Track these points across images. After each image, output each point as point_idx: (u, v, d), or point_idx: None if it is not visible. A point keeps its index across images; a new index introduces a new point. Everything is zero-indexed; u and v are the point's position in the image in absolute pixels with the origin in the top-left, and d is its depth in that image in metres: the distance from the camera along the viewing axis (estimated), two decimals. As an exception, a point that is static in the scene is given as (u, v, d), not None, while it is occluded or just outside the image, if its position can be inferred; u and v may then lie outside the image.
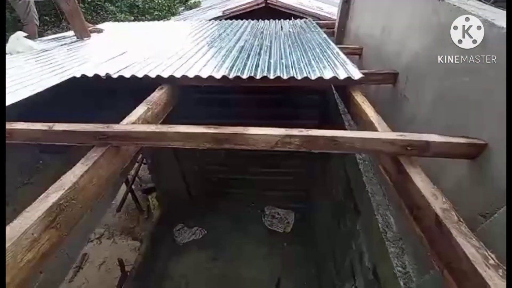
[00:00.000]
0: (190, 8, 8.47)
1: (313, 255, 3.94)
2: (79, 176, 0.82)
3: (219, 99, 2.72)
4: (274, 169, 4.05)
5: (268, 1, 5.72)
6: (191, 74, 1.56)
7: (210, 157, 3.95)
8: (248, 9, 5.61)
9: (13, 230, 0.63)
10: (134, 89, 1.52)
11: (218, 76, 1.53)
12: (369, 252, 1.80)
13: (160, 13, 7.77)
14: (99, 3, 6.52)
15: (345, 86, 1.63)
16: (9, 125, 1.00)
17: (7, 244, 0.59)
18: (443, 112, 1.14)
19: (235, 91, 1.78)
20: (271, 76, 1.51)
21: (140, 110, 1.27)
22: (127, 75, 1.57)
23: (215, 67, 1.68)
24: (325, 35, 2.49)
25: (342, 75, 1.48)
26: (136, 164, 5.17)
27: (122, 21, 5.49)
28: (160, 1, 7.96)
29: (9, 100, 1.19)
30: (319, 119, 3.06)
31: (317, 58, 1.84)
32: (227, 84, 1.54)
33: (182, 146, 1.01)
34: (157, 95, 1.48)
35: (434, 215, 0.71)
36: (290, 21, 3.38)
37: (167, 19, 7.07)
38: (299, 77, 1.47)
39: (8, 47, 2.14)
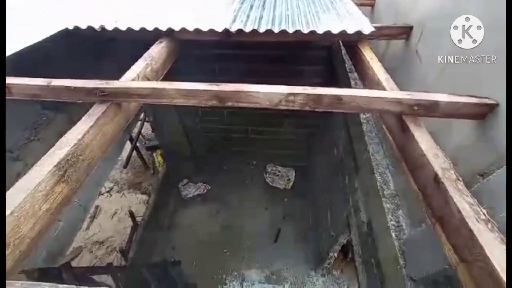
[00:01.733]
0: None
1: (312, 210, 4.19)
2: (83, 133, 0.83)
3: (220, 54, 2.59)
4: (277, 128, 4.06)
5: None
6: (190, 27, 1.46)
7: (212, 115, 3.93)
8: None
9: (27, 182, 0.66)
10: (133, 42, 1.44)
11: (219, 29, 1.44)
12: (365, 208, 1.90)
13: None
14: None
15: (353, 41, 1.53)
16: (8, 80, 0.98)
17: (23, 196, 0.63)
18: (457, 72, 1.08)
19: (237, 45, 1.68)
20: (276, 30, 1.41)
21: (139, 66, 1.23)
22: (123, 27, 1.48)
23: (216, 20, 1.57)
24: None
25: (351, 29, 1.38)
26: (139, 122, 5.19)
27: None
28: None
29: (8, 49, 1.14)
30: (324, 77, 2.95)
31: (325, 9, 1.69)
32: (229, 38, 1.45)
33: (183, 104, 0.99)
34: (156, 50, 1.41)
35: (433, 174, 0.72)
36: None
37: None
38: (306, 31, 1.38)
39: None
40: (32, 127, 1.67)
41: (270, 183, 4.68)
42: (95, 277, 2.54)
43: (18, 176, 1.44)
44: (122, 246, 3.81)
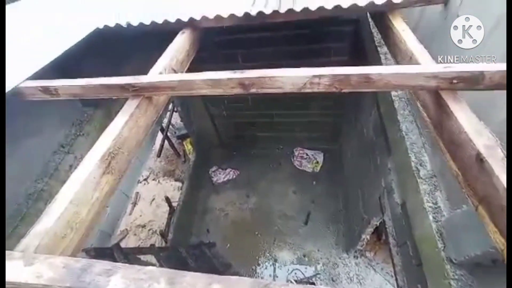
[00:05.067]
0: None
1: (342, 192, 4.13)
2: (121, 128, 0.90)
3: (242, 39, 2.56)
4: (303, 111, 3.98)
5: None
6: (211, 15, 1.46)
7: (238, 101, 3.96)
8: None
9: (80, 174, 0.74)
10: (158, 34, 1.49)
11: (239, 13, 1.42)
12: (399, 189, 1.83)
13: None
14: None
15: (383, 12, 1.41)
16: (53, 82, 1.08)
17: (78, 186, 0.71)
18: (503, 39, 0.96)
19: (259, 29, 1.65)
20: (297, 9, 1.35)
21: (165, 59, 1.27)
22: (146, 21, 1.52)
23: (235, 4, 1.54)
24: None
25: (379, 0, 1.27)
26: (168, 113, 5.41)
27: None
28: None
29: (49, 56, 1.26)
30: (351, 55, 2.79)
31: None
32: (250, 21, 1.42)
33: (209, 93, 1.02)
34: (180, 41, 1.44)
35: (475, 152, 0.67)
36: None
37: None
38: (329, 7, 1.30)
39: None
40: (77, 123, 1.83)
41: (298, 167, 4.66)
42: (141, 257, 2.81)
43: (71, 167, 1.61)
44: (162, 229, 4.13)
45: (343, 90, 0.90)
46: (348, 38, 2.66)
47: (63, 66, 1.32)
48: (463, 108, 0.79)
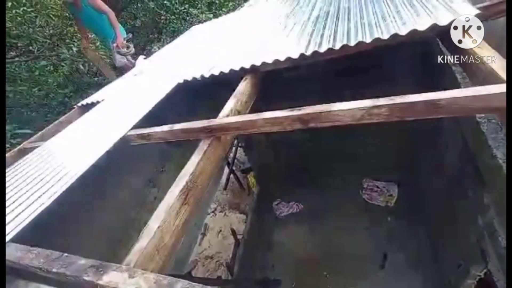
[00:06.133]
0: (261, -10, 8.41)
1: (424, 230, 3.52)
2: (196, 165, 1.05)
3: (299, 77, 2.69)
4: (369, 139, 3.74)
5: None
6: (269, 60, 1.63)
7: (298, 135, 4.01)
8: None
9: (164, 205, 0.89)
10: (224, 82, 1.73)
11: (295, 55, 1.54)
12: (505, 230, 1.49)
13: (234, 2, 8.11)
14: (184, 10, 7.39)
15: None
16: (147, 130, 1.36)
17: (164, 214, 0.85)
18: None
19: (316, 66, 1.74)
20: (352, 43, 1.39)
21: (231, 103, 1.45)
22: (216, 72, 1.79)
23: (291, 46, 1.69)
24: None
25: (444, 20, 1.21)
26: (233, 149, 5.83)
27: (204, 21, 6.06)
28: (233, -8, 8.32)
29: (144, 110, 1.61)
30: (416, 79, 2.59)
31: (407, 6, 1.55)
32: (306, 61, 1.53)
33: (270, 131, 1.11)
34: (242, 87, 1.64)
35: None
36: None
37: (241, 7, 7.31)
38: (386, 36, 1.30)
39: (134, 69, 2.81)
40: (160, 162, 2.19)
41: (368, 200, 4.25)
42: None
43: (155, 199, 1.90)
44: (228, 261, 4.21)
45: (407, 119, 0.86)
46: (411, 61, 2.50)
47: (155, 116, 1.64)
48: None
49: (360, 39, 1.39)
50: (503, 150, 1.45)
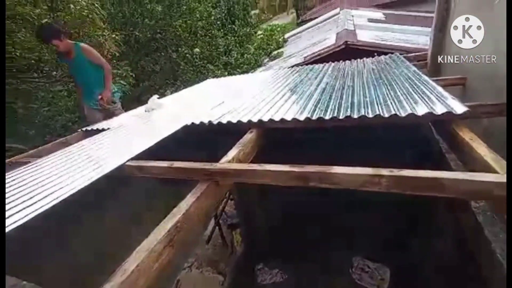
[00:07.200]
0: (274, 58, 9.48)
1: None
2: (189, 205, 1.01)
3: (302, 139, 2.80)
4: (364, 211, 3.67)
5: (348, 42, 5.84)
6: (277, 118, 1.73)
7: (294, 198, 3.94)
8: (328, 53, 5.85)
9: (147, 244, 0.83)
10: (230, 131, 1.79)
11: (301, 118, 1.64)
12: None
13: (248, 66, 9.01)
14: (202, 65, 8.16)
15: (444, 122, 1.44)
16: (146, 163, 1.35)
17: (143, 256, 0.78)
18: None
19: (319, 131, 1.85)
20: (355, 116, 1.51)
21: (234, 151, 1.48)
22: (224, 121, 1.88)
23: (298, 110, 1.81)
24: (414, 68, 2.33)
25: (439, 110, 1.34)
26: (223, 200, 5.65)
27: (219, 77, 6.63)
28: (248, 57, 9.32)
29: (148, 144, 1.63)
30: (413, 158, 2.70)
31: (406, 94, 1.73)
32: (310, 125, 1.62)
33: (269, 183, 1.10)
34: (248, 137, 1.69)
35: None
36: (373, 58, 3.32)
37: (254, 71, 8.10)
38: (386, 115, 1.41)
39: (146, 106, 2.95)
40: (147, 199, 2.10)
41: (358, 281, 3.92)
42: None
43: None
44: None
45: (407, 192, 0.87)
46: (409, 143, 2.65)
47: (156, 152, 1.65)
48: None
49: (362, 113, 1.51)
50: (501, 244, 1.42)
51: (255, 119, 1.81)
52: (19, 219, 1.04)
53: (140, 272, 0.72)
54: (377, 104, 1.65)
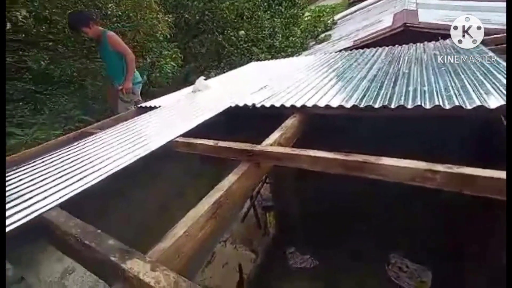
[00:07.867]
0: (321, 41, 9.01)
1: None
2: (232, 183, 1.07)
3: (347, 127, 2.68)
4: (409, 209, 3.44)
5: (408, 24, 5.25)
6: (321, 104, 1.68)
7: (333, 186, 3.86)
8: (383, 36, 5.34)
9: (192, 213, 0.91)
10: (272, 115, 1.80)
11: (348, 105, 1.56)
12: None
13: (293, 49, 8.73)
14: (247, 47, 8.15)
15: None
16: (193, 140, 1.45)
17: (190, 222, 0.86)
18: None
19: (365, 120, 1.74)
20: (409, 106, 1.38)
21: (276, 135, 1.49)
22: (267, 104, 1.89)
23: (345, 98, 1.73)
24: (491, 54, 2.01)
25: (517, 102, 1.15)
26: (260, 183, 5.78)
27: (263, 60, 6.57)
28: (293, 39, 9.01)
29: (195, 122, 1.74)
30: (476, 154, 2.40)
31: (475, 82, 1.52)
32: (358, 113, 1.54)
33: (310, 168, 1.10)
34: (290, 122, 1.68)
35: None
36: (437, 42, 2.95)
37: (299, 54, 7.83)
38: (447, 106, 1.27)
39: (193, 87, 3.09)
40: (189, 177, 2.27)
41: (394, 279, 3.75)
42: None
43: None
44: (226, 299, 3.92)
45: (464, 192, 0.79)
46: (474, 137, 2.35)
47: (202, 130, 1.75)
48: None
49: (418, 103, 1.38)
50: None
51: (298, 104, 1.78)
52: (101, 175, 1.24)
53: (188, 238, 0.81)
54: (436, 94, 1.49)
